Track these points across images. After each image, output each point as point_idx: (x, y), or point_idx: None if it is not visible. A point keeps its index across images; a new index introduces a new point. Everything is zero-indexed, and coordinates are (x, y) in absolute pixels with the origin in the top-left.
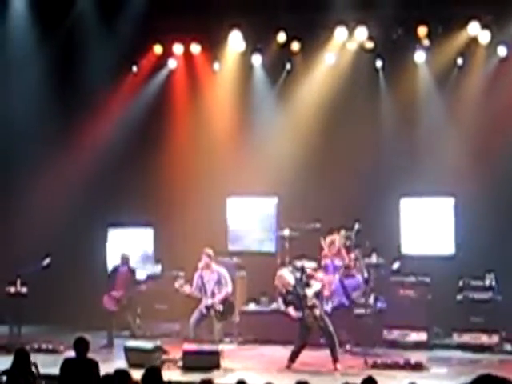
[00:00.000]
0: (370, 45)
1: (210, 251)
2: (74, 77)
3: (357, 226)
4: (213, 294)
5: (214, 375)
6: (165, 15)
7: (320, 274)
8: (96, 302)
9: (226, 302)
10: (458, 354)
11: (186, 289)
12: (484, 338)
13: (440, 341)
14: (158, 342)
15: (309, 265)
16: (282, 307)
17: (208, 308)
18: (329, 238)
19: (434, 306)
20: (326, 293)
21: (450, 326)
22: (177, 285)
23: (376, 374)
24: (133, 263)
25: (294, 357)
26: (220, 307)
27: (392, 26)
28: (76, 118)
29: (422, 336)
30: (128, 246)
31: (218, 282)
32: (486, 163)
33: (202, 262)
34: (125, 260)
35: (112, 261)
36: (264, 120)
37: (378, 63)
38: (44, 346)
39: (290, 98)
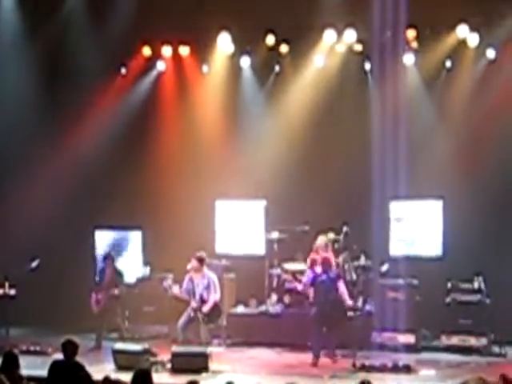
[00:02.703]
0: (358, 47)
1: (202, 254)
2: (63, 78)
3: (345, 228)
4: (201, 298)
5: (203, 377)
6: (153, 17)
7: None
8: (84, 304)
9: (213, 306)
10: (447, 356)
11: (175, 289)
12: (472, 341)
13: (428, 343)
14: (147, 345)
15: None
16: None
17: (195, 311)
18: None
19: (422, 308)
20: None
21: (438, 329)
22: (165, 284)
23: (364, 377)
24: (121, 266)
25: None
26: (207, 312)
27: (381, 29)
28: (64, 119)
29: (410, 338)
30: (116, 248)
31: (208, 288)
32: (474, 166)
33: (191, 264)
34: (110, 259)
35: (100, 263)
36: (253, 122)
37: (367, 66)
38: (32, 348)
39: (278, 100)
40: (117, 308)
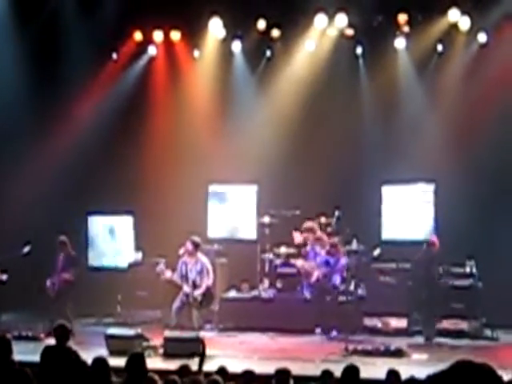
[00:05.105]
0: (350, 32)
1: (196, 239)
2: (54, 64)
3: (337, 212)
4: (194, 283)
5: (195, 362)
6: (145, 2)
7: (299, 262)
8: (77, 289)
9: (206, 291)
10: (439, 340)
11: (167, 274)
12: (464, 324)
13: (420, 327)
14: (139, 330)
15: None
16: None
17: (187, 295)
18: (306, 225)
19: (414, 292)
20: (313, 279)
21: None
22: (158, 269)
23: (356, 361)
24: (115, 251)
25: None
26: (199, 297)
27: (372, 13)
28: (56, 105)
29: (402, 322)
30: (109, 233)
31: (201, 273)
32: (465, 149)
33: (184, 248)
34: (62, 244)
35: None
36: (244, 107)
37: (358, 50)
38: (24, 334)
39: (270, 84)
40: (69, 293)
